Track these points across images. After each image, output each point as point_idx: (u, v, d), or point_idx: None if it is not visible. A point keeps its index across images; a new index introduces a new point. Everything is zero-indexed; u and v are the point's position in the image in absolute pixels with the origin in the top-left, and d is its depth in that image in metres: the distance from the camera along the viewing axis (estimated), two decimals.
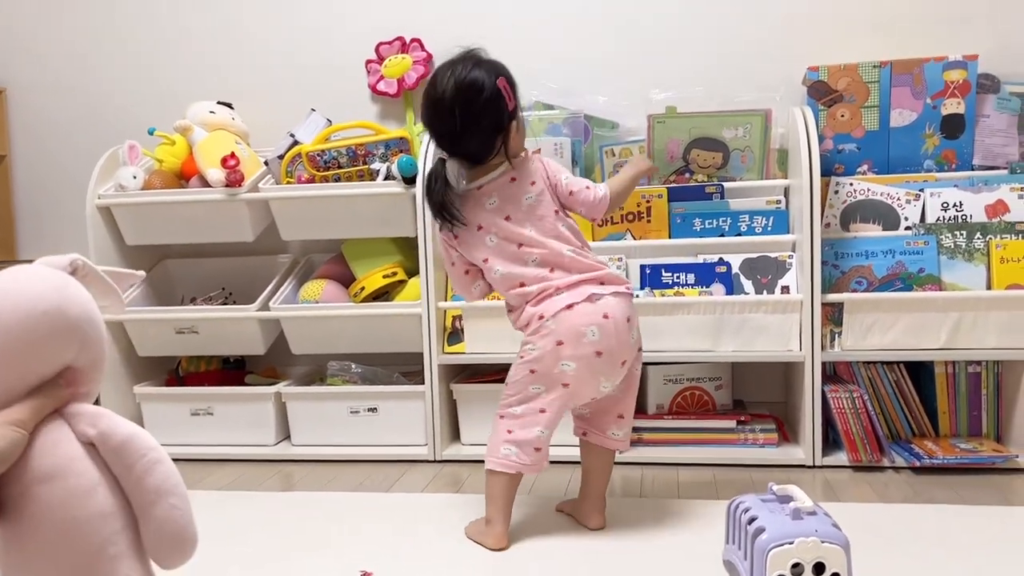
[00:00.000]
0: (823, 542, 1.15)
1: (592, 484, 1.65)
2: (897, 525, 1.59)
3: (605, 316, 1.50)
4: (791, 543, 1.14)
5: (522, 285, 1.55)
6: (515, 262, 1.56)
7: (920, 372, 2.06)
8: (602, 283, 1.54)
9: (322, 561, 1.51)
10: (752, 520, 1.21)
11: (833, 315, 1.99)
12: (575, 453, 1.70)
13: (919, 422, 2.04)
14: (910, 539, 1.52)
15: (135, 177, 2.30)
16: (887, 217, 2.07)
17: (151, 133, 2.36)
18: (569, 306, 1.50)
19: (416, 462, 2.15)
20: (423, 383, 2.16)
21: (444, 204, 1.56)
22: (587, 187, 1.61)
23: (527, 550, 1.53)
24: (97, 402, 2.31)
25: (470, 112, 1.52)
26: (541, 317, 1.52)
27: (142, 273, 1.06)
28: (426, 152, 2.13)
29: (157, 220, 2.32)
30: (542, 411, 1.53)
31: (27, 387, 0.83)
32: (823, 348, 1.98)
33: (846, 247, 2.03)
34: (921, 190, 2.06)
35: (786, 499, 1.25)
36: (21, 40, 2.71)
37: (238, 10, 2.58)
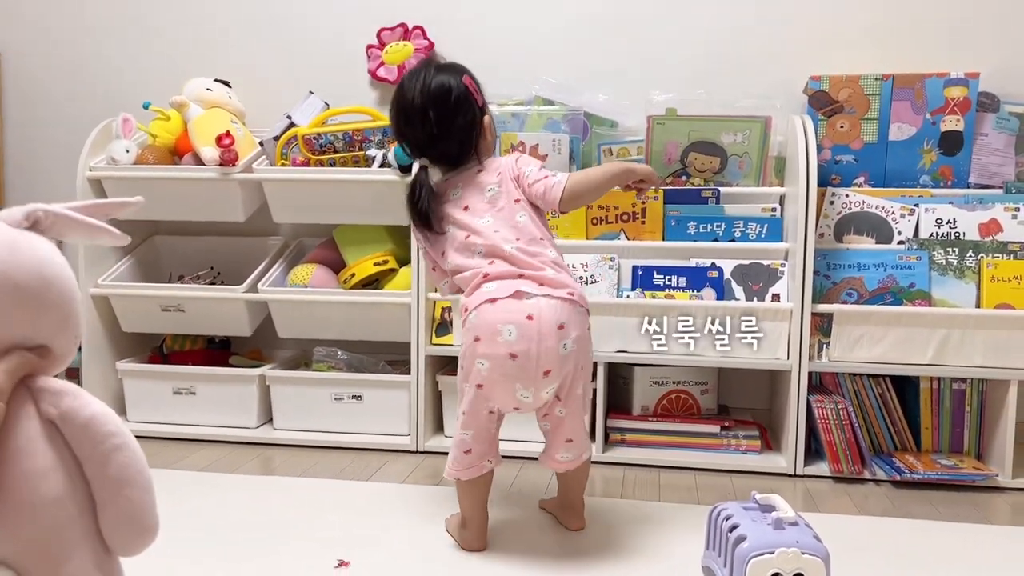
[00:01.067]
0: (803, 553, 1.15)
1: (567, 493, 1.63)
2: (876, 539, 1.59)
3: (528, 317, 1.39)
4: (772, 553, 1.14)
5: (462, 274, 1.52)
6: (463, 252, 1.52)
7: (905, 386, 2.06)
8: (541, 283, 1.44)
9: (299, 548, 1.50)
10: (733, 528, 1.21)
11: (822, 325, 1.99)
12: None
13: (902, 436, 2.05)
14: (889, 553, 1.52)
15: (128, 151, 2.27)
16: (881, 230, 2.08)
17: (146, 107, 2.34)
18: (492, 300, 1.42)
19: (398, 452, 2.14)
20: (409, 373, 2.15)
21: (427, 213, 1.54)
22: (544, 177, 1.54)
23: (504, 548, 1.52)
24: (78, 376, 2.28)
25: (444, 114, 1.52)
26: (466, 310, 1.46)
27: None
28: None
29: (148, 195, 2.20)
30: (463, 412, 1.47)
31: None
32: (810, 358, 1.98)
33: (839, 258, 2.04)
34: (916, 205, 2.07)
35: (768, 508, 1.25)
36: (19, 6, 2.67)
37: None
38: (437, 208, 1.56)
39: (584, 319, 1.47)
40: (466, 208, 1.54)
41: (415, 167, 2.05)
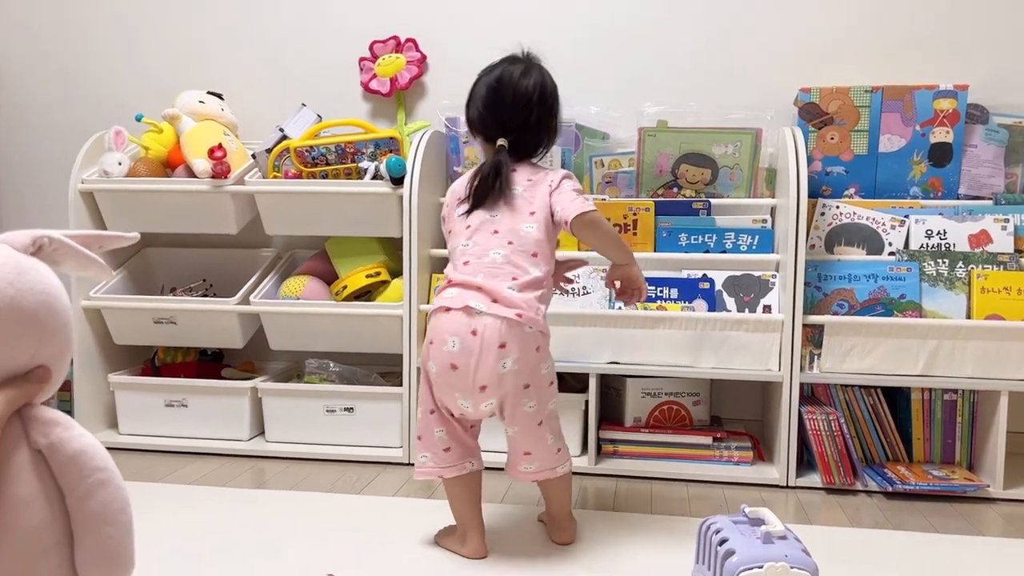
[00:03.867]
0: (792, 567, 1.15)
1: (550, 507, 1.63)
2: (867, 551, 1.59)
3: (473, 332, 1.44)
4: (760, 567, 1.14)
5: (450, 260, 1.59)
6: (458, 237, 1.58)
7: (897, 397, 2.07)
8: (494, 300, 1.46)
9: (289, 562, 1.50)
10: (723, 542, 1.21)
11: (813, 336, 2.00)
12: None
13: (893, 447, 2.05)
14: (879, 566, 1.52)
15: (120, 163, 2.27)
16: (871, 241, 2.08)
17: (139, 120, 2.34)
18: (446, 309, 1.48)
19: (390, 464, 2.14)
20: (401, 385, 2.15)
21: (491, 193, 1.56)
22: (578, 196, 1.56)
23: (494, 560, 1.52)
24: (70, 389, 2.27)
25: (548, 109, 1.60)
26: (429, 312, 1.55)
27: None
28: (415, 153, 2.13)
29: (140, 208, 2.30)
30: (431, 412, 1.53)
31: None
32: (802, 369, 1.98)
33: (829, 269, 2.04)
34: (906, 216, 2.07)
35: (758, 522, 1.25)
36: (11, 18, 2.68)
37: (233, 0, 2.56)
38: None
39: (531, 340, 1.48)
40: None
41: (410, 174, 2.09)
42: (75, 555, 0.82)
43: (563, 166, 2.21)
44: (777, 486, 2.00)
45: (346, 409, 2.19)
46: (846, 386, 2.03)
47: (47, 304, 0.82)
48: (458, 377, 1.46)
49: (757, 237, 2.10)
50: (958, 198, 2.13)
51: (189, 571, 1.45)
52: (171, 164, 2.35)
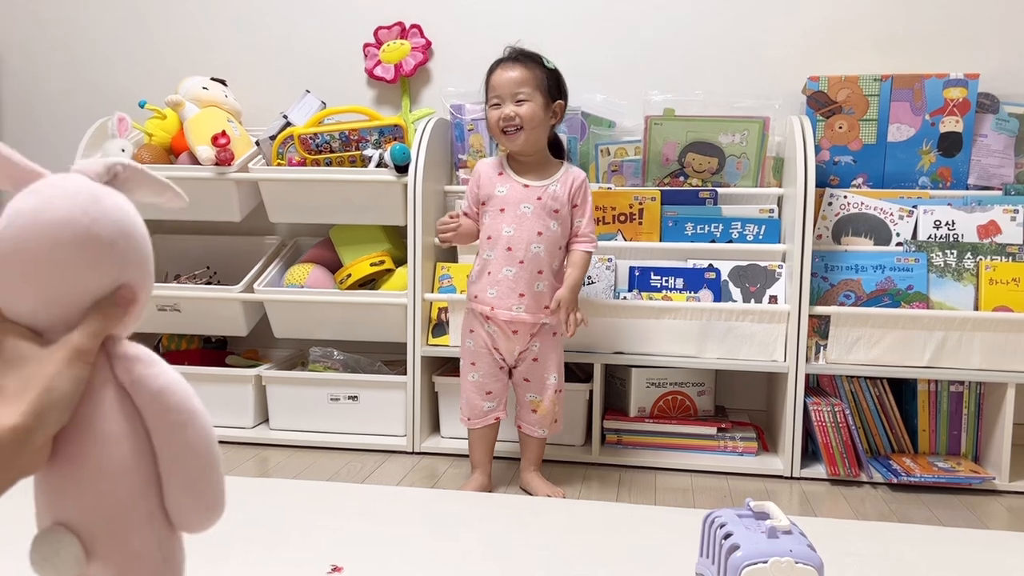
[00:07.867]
0: (797, 563, 1.14)
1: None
2: (871, 543, 1.59)
3: None
4: (765, 562, 1.14)
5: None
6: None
7: (902, 388, 2.06)
8: None
9: (292, 552, 1.49)
10: (727, 536, 1.20)
11: (819, 327, 1.99)
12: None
13: (899, 438, 2.04)
14: (883, 558, 1.51)
15: (123, 150, 2.26)
16: (879, 232, 2.07)
17: (142, 106, 2.33)
18: None
19: (394, 452, 2.14)
20: (405, 374, 2.14)
21: None
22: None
23: (492, 552, 1.52)
24: None
25: None
26: None
27: (185, 201, 0.90)
28: (419, 140, 2.11)
29: None
30: None
31: (80, 308, 0.77)
32: (807, 360, 1.97)
33: (836, 260, 2.03)
34: (915, 207, 2.06)
35: (763, 516, 1.24)
36: (15, 5, 2.66)
37: None
38: None
39: None
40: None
41: (415, 162, 2.08)
42: (164, 495, 0.80)
43: (569, 155, 2.20)
44: (781, 477, 1.99)
45: (350, 397, 2.19)
46: (852, 377, 2.02)
47: (124, 231, 0.78)
48: None
49: (764, 227, 2.08)
50: (967, 188, 2.11)
51: (192, 560, 1.44)
52: (174, 151, 2.34)
